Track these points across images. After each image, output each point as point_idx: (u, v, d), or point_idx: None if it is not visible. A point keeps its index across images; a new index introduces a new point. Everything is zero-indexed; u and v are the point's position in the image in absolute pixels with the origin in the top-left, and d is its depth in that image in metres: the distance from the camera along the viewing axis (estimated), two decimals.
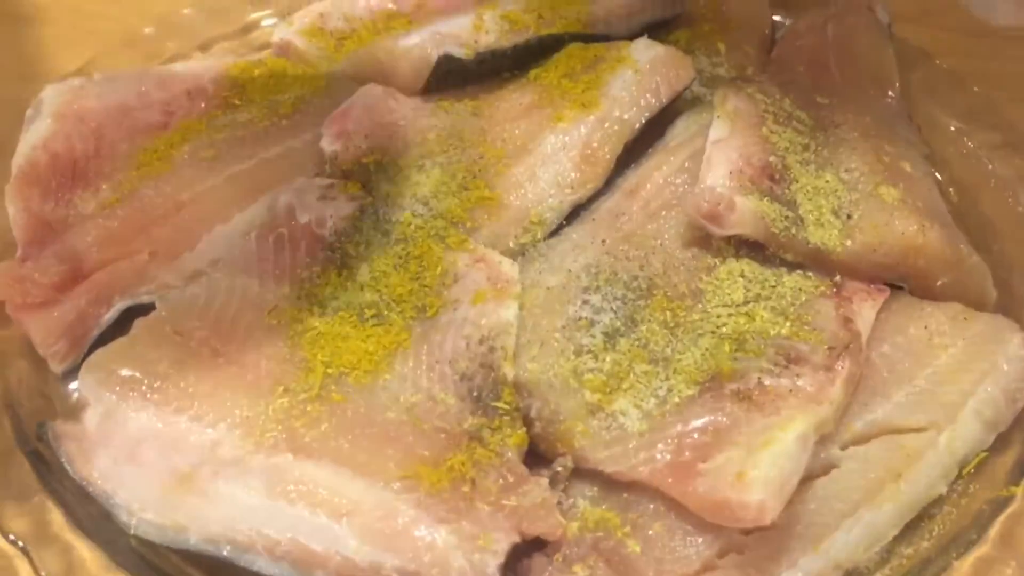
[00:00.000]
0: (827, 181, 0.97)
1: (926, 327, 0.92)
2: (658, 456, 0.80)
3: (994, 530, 0.83)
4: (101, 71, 1.11)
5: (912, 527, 0.84)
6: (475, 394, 0.84)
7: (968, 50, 1.35)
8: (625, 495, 0.82)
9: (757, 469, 0.76)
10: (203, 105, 1.13)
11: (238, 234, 0.98)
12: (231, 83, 1.15)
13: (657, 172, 1.02)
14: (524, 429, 0.83)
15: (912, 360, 0.90)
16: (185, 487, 0.79)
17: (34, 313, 0.94)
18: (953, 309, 0.94)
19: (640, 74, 1.08)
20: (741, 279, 0.92)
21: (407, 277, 0.92)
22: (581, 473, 0.83)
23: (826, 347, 0.86)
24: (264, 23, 1.35)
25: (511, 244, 0.98)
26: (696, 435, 0.81)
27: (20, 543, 0.80)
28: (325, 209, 0.97)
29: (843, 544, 0.80)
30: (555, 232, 1.00)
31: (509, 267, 0.92)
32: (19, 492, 0.83)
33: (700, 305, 0.91)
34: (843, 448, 0.84)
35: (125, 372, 0.85)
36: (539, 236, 0.99)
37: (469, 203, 0.99)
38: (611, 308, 0.90)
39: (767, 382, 0.83)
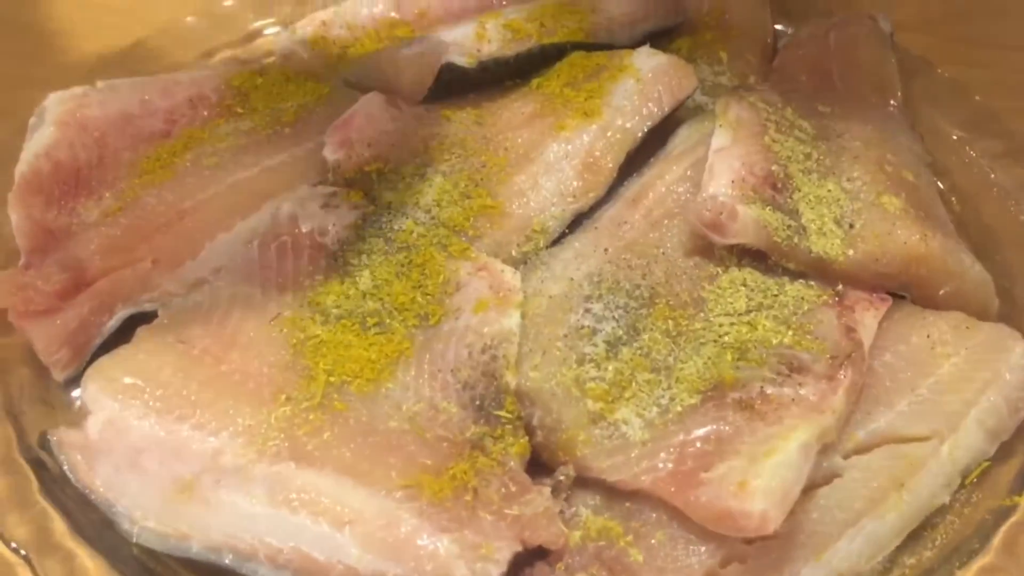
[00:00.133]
0: (829, 190, 0.97)
1: (928, 336, 0.92)
2: (660, 465, 0.80)
3: (997, 539, 0.83)
4: (104, 79, 1.11)
5: (915, 536, 0.84)
6: (477, 403, 0.84)
7: (970, 59, 1.35)
8: (627, 504, 0.82)
9: (759, 478, 0.76)
10: (206, 113, 1.13)
11: (240, 242, 0.98)
12: (234, 91, 1.16)
13: (659, 181, 1.02)
14: (526, 438, 0.83)
15: (914, 369, 0.90)
16: (187, 495, 0.79)
17: (37, 321, 0.94)
18: (955, 318, 0.94)
19: (642, 83, 1.08)
20: (743, 288, 0.92)
21: (409, 285, 0.92)
22: (583, 482, 0.83)
23: (828, 356, 0.86)
24: (267, 32, 1.36)
25: (513, 252, 0.98)
26: (698, 444, 0.81)
27: (22, 551, 0.80)
28: (327, 217, 0.97)
29: (845, 553, 0.80)
30: (557, 241, 1.00)
31: (511, 276, 0.92)
32: (21, 500, 0.83)
33: (702, 314, 0.91)
34: (845, 457, 0.84)
35: (127, 380, 0.85)
36: (541, 245, 0.99)
37: (471, 211, 0.99)
38: (613, 317, 0.90)
39: (769, 391, 0.83)
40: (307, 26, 1.27)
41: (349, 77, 1.19)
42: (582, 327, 0.89)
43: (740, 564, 0.78)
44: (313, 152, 1.07)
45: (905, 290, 0.96)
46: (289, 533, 0.76)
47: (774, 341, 0.88)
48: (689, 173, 1.02)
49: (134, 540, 0.79)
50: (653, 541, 0.79)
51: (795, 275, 0.94)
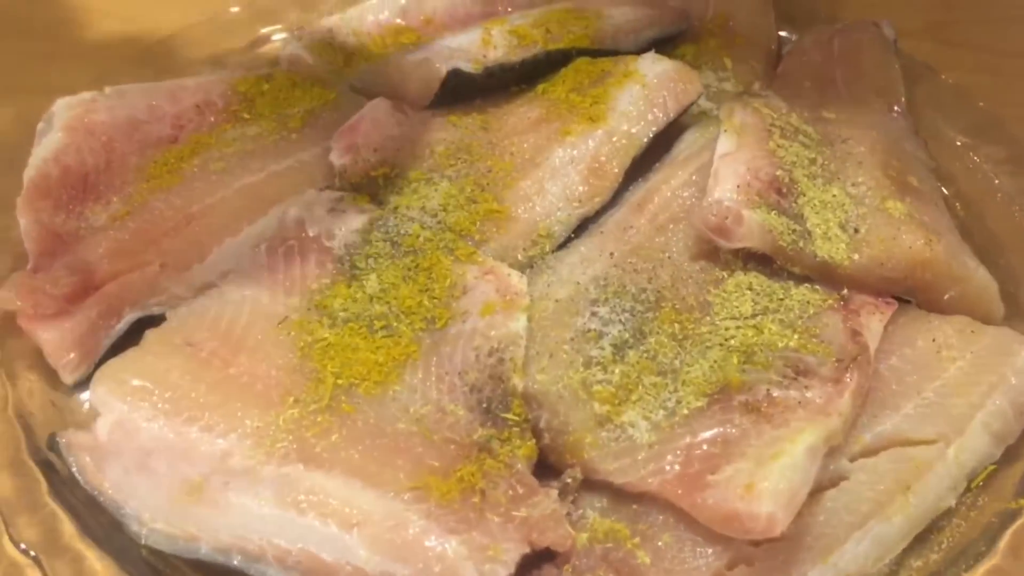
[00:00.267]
0: (834, 195, 0.98)
1: (934, 340, 0.92)
2: (667, 467, 0.80)
3: (1003, 542, 0.83)
4: (112, 85, 1.12)
5: (921, 539, 0.84)
6: (484, 405, 0.84)
7: (973, 65, 1.35)
8: (634, 506, 0.82)
9: (766, 481, 0.76)
10: (213, 119, 1.14)
11: (248, 246, 0.99)
12: (241, 97, 1.16)
13: (665, 185, 1.03)
14: (533, 440, 0.83)
15: (920, 373, 0.90)
16: (196, 497, 0.79)
17: (45, 324, 0.94)
18: (961, 322, 0.94)
19: (648, 88, 1.08)
20: (749, 292, 0.93)
21: (416, 289, 0.92)
22: (590, 484, 0.83)
23: (834, 360, 0.86)
24: (274, 38, 1.36)
25: (519, 257, 0.99)
26: (705, 447, 0.81)
27: (32, 552, 0.80)
28: (334, 222, 0.98)
29: (852, 556, 0.80)
30: (563, 245, 1.01)
31: (518, 279, 0.92)
32: (31, 502, 0.83)
33: (708, 317, 0.92)
34: (852, 460, 0.84)
35: (136, 383, 0.85)
36: (547, 249, 1.00)
37: (478, 216, 1.00)
38: (620, 320, 0.91)
39: (776, 394, 0.83)
40: (313, 33, 1.28)
41: (355, 83, 1.19)
42: (588, 330, 0.90)
43: (747, 566, 0.78)
44: (320, 157, 1.08)
45: (910, 294, 0.96)
46: (298, 534, 0.77)
47: (780, 344, 0.88)
48: (694, 178, 1.02)
49: (143, 542, 0.79)
50: (660, 543, 0.79)
51: (800, 279, 0.94)
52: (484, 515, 0.77)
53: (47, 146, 1.03)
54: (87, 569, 0.79)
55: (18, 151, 1.05)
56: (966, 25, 1.47)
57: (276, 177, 1.07)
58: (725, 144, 0.99)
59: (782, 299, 0.92)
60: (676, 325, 0.91)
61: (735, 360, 0.87)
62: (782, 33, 1.35)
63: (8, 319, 0.96)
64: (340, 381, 0.86)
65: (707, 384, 0.85)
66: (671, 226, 0.99)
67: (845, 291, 0.93)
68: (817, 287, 0.94)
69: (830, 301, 0.92)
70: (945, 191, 1.13)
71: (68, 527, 0.82)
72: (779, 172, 0.97)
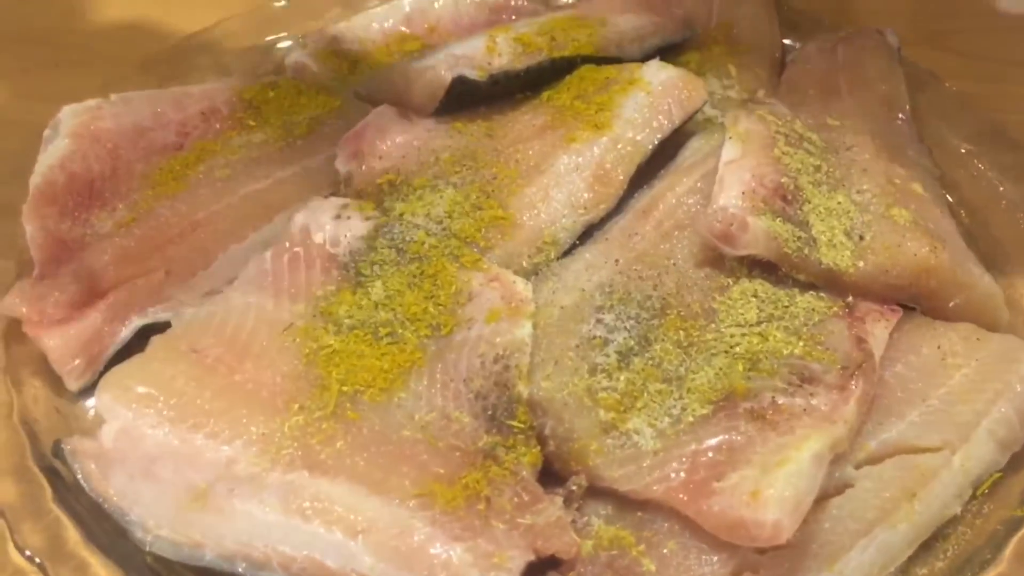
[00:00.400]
0: (839, 202, 0.98)
1: (939, 347, 0.92)
2: (672, 475, 0.80)
3: (1008, 550, 0.83)
4: (118, 92, 1.12)
5: (927, 547, 0.84)
6: (489, 412, 0.84)
7: (977, 73, 1.36)
8: (639, 514, 0.82)
9: (772, 488, 0.76)
10: (218, 126, 1.14)
11: (253, 253, 0.99)
12: (246, 104, 1.17)
13: (670, 192, 1.03)
14: (538, 447, 0.83)
15: (925, 380, 0.90)
16: (201, 504, 0.79)
17: (51, 331, 0.95)
18: (966, 329, 0.94)
19: (652, 96, 1.09)
20: (754, 299, 0.93)
21: (421, 296, 0.92)
22: (595, 491, 0.83)
23: (839, 367, 0.86)
24: (279, 45, 1.37)
25: (524, 264, 0.99)
26: (710, 454, 0.81)
27: (37, 559, 0.80)
28: (339, 229, 0.98)
29: (858, 564, 0.80)
30: (568, 252, 1.01)
31: (523, 286, 0.92)
32: (35, 508, 0.83)
33: (713, 325, 0.92)
34: (857, 467, 0.84)
35: (141, 389, 0.85)
36: (552, 256, 1.00)
37: (483, 223, 1.00)
38: (625, 327, 0.91)
39: (781, 401, 0.83)
40: (318, 40, 1.28)
41: (360, 90, 1.19)
42: (594, 337, 0.90)
43: (752, 574, 0.78)
44: (325, 164, 1.09)
45: (915, 302, 0.96)
46: (303, 541, 0.77)
47: (785, 352, 0.88)
48: (699, 185, 1.02)
49: (147, 549, 0.79)
50: (665, 551, 0.79)
51: (805, 286, 0.94)
52: (489, 522, 0.77)
53: (53, 153, 1.04)
54: None
55: (24, 158, 1.05)
56: (970, 33, 1.47)
57: (281, 184, 1.07)
58: (730, 151, 0.99)
59: (787, 306, 0.92)
60: (681, 332, 0.91)
61: (740, 367, 0.86)
62: (786, 41, 1.35)
63: (13, 326, 0.96)
64: (345, 388, 0.86)
65: (712, 391, 0.85)
66: (676, 233, 0.99)
67: (850, 298, 0.93)
68: (822, 294, 0.94)
69: (835, 308, 0.92)
70: (950, 198, 1.13)
71: (73, 534, 0.82)
72: (784, 179, 0.97)
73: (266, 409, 0.85)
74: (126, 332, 0.96)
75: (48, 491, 0.84)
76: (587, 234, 1.02)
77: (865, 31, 1.30)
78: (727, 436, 0.81)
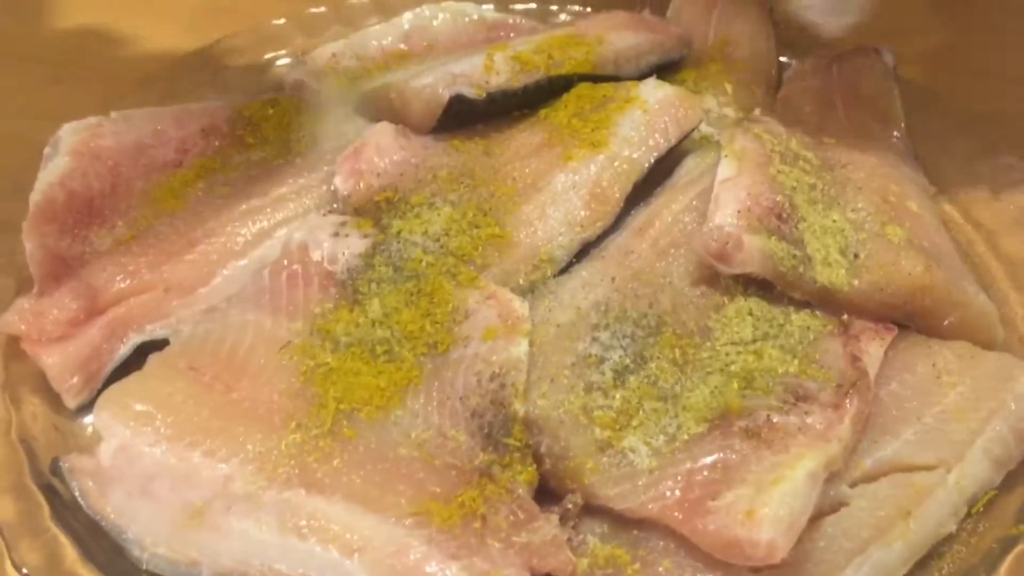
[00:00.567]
0: (834, 220, 0.98)
1: (934, 365, 0.93)
2: (668, 493, 0.81)
3: (1003, 568, 0.83)
4: (118, 110, 1.13)
5: (922, 565, 0.84)
6: (486, 430, 0.85)
7: (972, 91, 1.36)
8: (635, 532, 0.82)
9: (767, 507, 0.76)
10: (218, 143, 1.15)
11: (251, 270, 1.00)
12: (245, 122, 1.17)
13: (666, 210, 1.03)
14: (534, 466, 0.84)
15: (920, 398, 0.90)
16: (197, 522, 0.80)
17: (49, 348, 0.95)
18: (961, 347, 0.94)
19: (649, 114, 1.09)
20: (749, 317, 0.93)
21: (418, 314, 0.93)
22: (591, 510, 0.83)
23: (834, 385, 0.86)
24: (278, 63, 1.38)
25: (521, 281, 0.99)
26: (705, 472, 0.81)
27: None
28: (337, 246, 0.98)
29: None
30: (565, 270, 1.01)
31: (520, 304, 0.92)
32: (33, 526, 0.83)
33: (709, 343, 0.92)
34: (852, 486, 0.84)
35: (139, 407, 0.86)
36: (549, 274, 1.00)
37: (480, 241, 1.00)
38: (620, 345, 0.91)
39: (776, 420, 0.83)
40: (318, 58, 1.28)
41: (359, 108, 1.20)
42: (590, 355, 0.90)
43: None
44: (323, 182, 1.09)
45: (910, 320, 0.97)
46: (299, 560, 0.77)
47: (780, 370, 0.88)
48: (695, 203, 1.03)
49: (144, 567, 0.79)
50: (660, 569, 0.79)
51: (801, 305, 0.95)
52: (485, 541, 0.77)
53: (53, 170, 1.04)
54: None
55: (24, 175, 1.06)
56: (966, 51, 1.48)
57: (280, 201, 1.08)
58: (726, 169, 1.00)
59: (782, 324, 0.93)
60: (677, 350, 0.91)
61: (735, 385, 0.87)
62: (782, 59, 1.36)
63: (12, 343, 0.96)
64: (342, 406, 0.86)
65: (707, 409, 0.86)
66: (672, 251, 1.00)
67: (845, 316, 0.94)
68: (817, 312, 0.94)
69: (830, 327, 0.93)
70: (944, 216, 1.14)
71: (70, 552, 0.82)
72: (779, 197, 0.97)
73: (263, 427, 0.85)
74: (124, 349, 0.96)
75: (46, 508, 0.85)
76: (583, 252, 1.03)
77: (861, 49, 1.31)
78: (722, 454, 0.82)
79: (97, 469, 0.83)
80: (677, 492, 0.80)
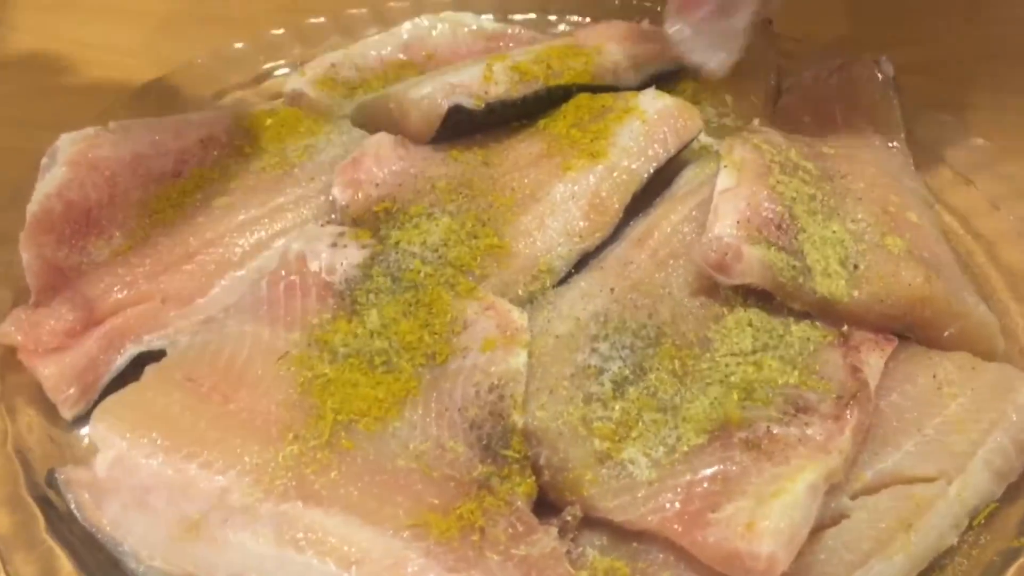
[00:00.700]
0: (834, 231, 0.98)
1: (934, 376, 0.92)
2: (667, 505, 0.80)
3: None
4: (116, 120, 1.13)
5: None
6: (484, 442, 0.84)
7: (972, 102, 1.36)
8: (634, 544, 0.81)
9: (767, 519, 0.75)
10: (216, 153, 1.14)
11: (249, 281, 0.99)
12: (244, 132, 1.17)
13: (665, 221, 1.03)
14: (533, 477, 0.83)
15: (921, 409, 0.90)
16: (194, 534, 0.79)
17: (46, 359, 0.95)
18: (961, 358, 0.94)
19: (648, 124, 1.09)
20: (749, 328, 0.93)
21: (417, 324, 0.92)
22: (590, 522, 0.83)
23: (834, 396, 0.86)
24: (277, 73, 1.38)
25: (520, 292, 0.98)
26: (705, 484, 0.80)
27: None
28: (336, 257, 0.98)
29: None
30: (564, 280, 1.01)
31: (518, 315, 0.92)
32: (28, 538, 0.83)
33: (708, 354, 0.92)
34: (853, 498, 0.84)
35: (135, 418, 0.85)
36: (548, 284, 0.99)
37: (478, 251, 1.00)
38: (620, 356, 0.90)
39: (776, 431, 0.83)
40: (316, 68, 1.29)
41: (357, 118, 1.20)
42: (589, 366, 0.90)
43: None
44: (322, 192, 1.09)
45: (910, 331, 0.96)
46: (296, 572, 0.76)
47: (780, 381, 0.88)
48: (694, 213, 1.02)
49: None
50: None
51: (801, 315, 0.94)
52: (484, 553, 0.77)
53: (51, 181, 1.04)
54: None
55: (21, 186, 1.06)
56: (966, 62, 1.48)
57: (278, 212, 1.07)
58: (725, 180, 1.00)
59: (782, 335, 0.92)
60: (676, 361, 0.91)
61: (735, 397, 0.86)
62: (781, 69, 1.36)
63: (9, 354, 0.96)
64: (340, 417, 0.86)
65: (707, 421, 0.85)
66: (671, 262, 0.99)
67: (845, 327, 0.93)
68: (817, 323, 0.94)
69: (830, 337, 0.92)
70: (944, 227, 1.13)
71: (66, 564, 0.81)
72: (779, 208, 0.97)
73: (260, 438, 0.84)
74: (121, 360, 0.96)
75: (41, 521, 0.84)
76: (582, 262, 1.02)
77: (860, 60, 1.30)
78: (722, 466, 0.81)
79: (93, 481, 0.83)
80: (677, 504, 0.80)
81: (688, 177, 1.09)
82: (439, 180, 1.07)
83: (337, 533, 0.78)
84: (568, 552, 0.80)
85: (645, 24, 1.31)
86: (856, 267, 0.95)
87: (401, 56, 1.32)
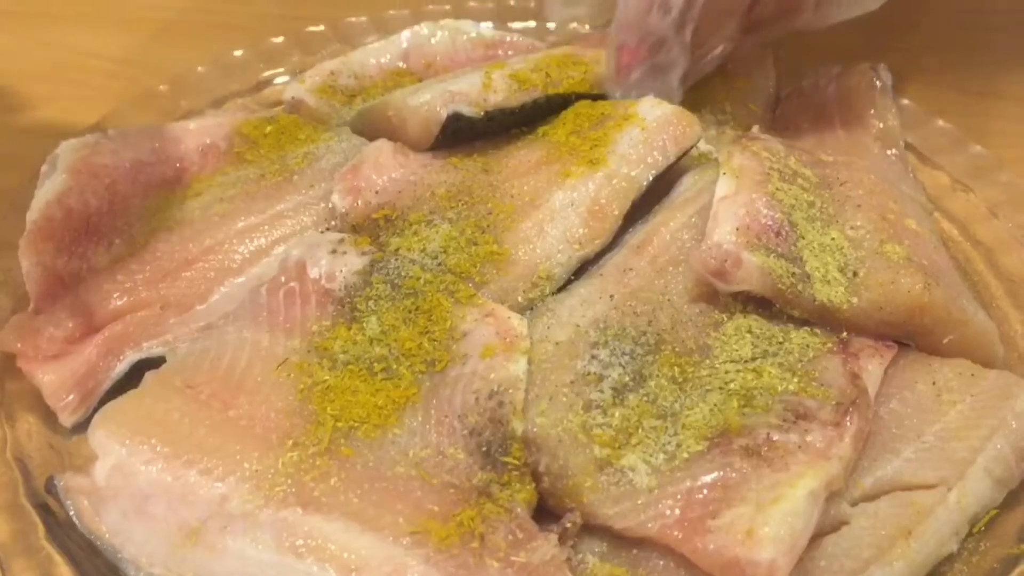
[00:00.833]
0: (833, 238, 0.98)
1: (934, 383, 0.92)
2: (667, 512, 0.80)
3: None
4: (116, 128, 1.13)
5: None
6: (484, 449, 0.84)
7: (970, 109, 1.37)
8: (634, 551, 0.81)
9: (767, 526, 0.75)
10: (216, 161, 1.15)
11: (249, 288, 0.99)
12: (243, 139, 1.17)
13: (664, 228, 1.03)
14: (533, 484, 0.83)
15: (920, 416, 0.90)
16: (193, 541, 0.79)
17: (45, 366, 0.95)
18: (961, 365, 0.94)
19: (647, 132, 1.09)
20: (748, 335, 0.93)
21: (416, 331, 0.92)
22: (590, 529, 0.83)
23: (834, 403, 0.86)
24: (276, 81, 1.38)
25: (519, 299, 0.98)
26: (705, 491, 0.80)
27: None
28: (335, 264, 0.98)
29: None
30: (563, 287, 1.01)
31: (518, 322, 0.92)
32: (27, 545, 0.82)
33: (708, 361, 0.92)
34: (853, 505, 0.84)
35: (135, 426, 0.85)
36: (547, 291, 1.00)
37: (478, 258, 1.00)
38: (619, 363, 0.90)
39: (776, 438, 0.83)
40: (315, 75, 1.29)
41: (357, 125, 1.20)
42: (588, 373, 0.90)
43: None
44: (321, 199, 1.09)
45: (909, 338, 0.96)
46: None
47: (780, 388, 0.88)
48: (694, 220, 1.02)
49: None
50: None
51: (800, 323, 0.94)
52: (483, 560, 0.77)
53: (50, 188, 1.04)
54: None
55: (21, 193, 1.06)
56: (963, 69, 1.49)
57: (278, 219, 1.07)
58: (724, 187, 1.00)
59: (781, 342, 0.92)
60: (676, 368, 0.91)
61: (735, 404, 0.86)
62: (780, 76, 1.36)
63: (8, 361, 0.96)
64: (339, 424, 0.86)
65: (707, 428, 0.85)
66: (671, 269, 0.99)
67: (844, 334, 0.94)
68: (816, 330, 0.94)
69: (829, 344, 0.93)
70: (943, 234, 1.14)
71: (65, 571, 0.81)
72: (778, 215, 0.97)
73: (260, 445, 0.84)
74: (121, 367, 0.96)
75: (41, 528, 0.84)
76: (582, 269, 1.02)
77: (859, 67, 1.31)
78: (722, 473, 0.81)
79: (93, 488, 0.82)
80: (677, 511, 0.80)
81: (687, 184, 1.09)
82: (439, 187, 1.08)
83: (337, 540, 0.78)
84: (568, 559, 0.80)
85: None
86: (855, 274, 0.95)
87: (400, 64, 1.32)
